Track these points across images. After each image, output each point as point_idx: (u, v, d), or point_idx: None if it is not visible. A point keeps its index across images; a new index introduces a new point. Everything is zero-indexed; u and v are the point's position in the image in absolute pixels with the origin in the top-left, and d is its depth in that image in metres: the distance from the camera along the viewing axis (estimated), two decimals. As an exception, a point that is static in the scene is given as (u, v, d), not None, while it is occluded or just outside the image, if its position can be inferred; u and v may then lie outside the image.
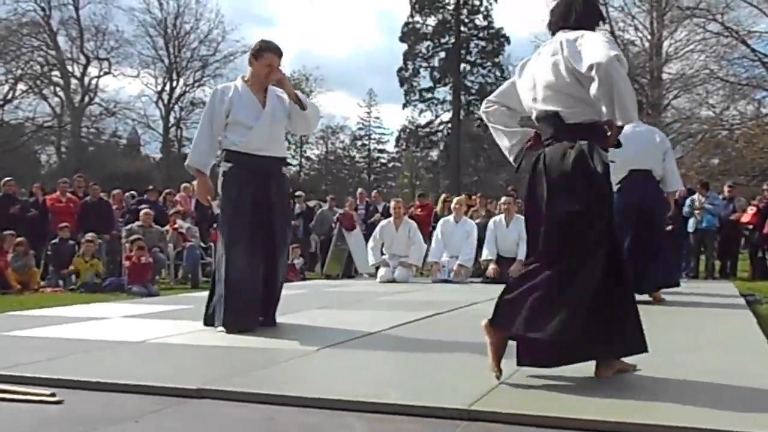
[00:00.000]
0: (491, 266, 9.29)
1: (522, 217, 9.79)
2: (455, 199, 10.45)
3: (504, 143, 3.31)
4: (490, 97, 3.38)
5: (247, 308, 4.25)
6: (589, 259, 2.82)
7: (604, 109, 2.84)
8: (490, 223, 9.70)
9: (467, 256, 9.38)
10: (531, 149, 3.18)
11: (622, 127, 2.94)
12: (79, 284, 9.23)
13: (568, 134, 2.95)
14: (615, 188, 4.30)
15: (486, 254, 9.49)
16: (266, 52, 4.44)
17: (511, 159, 3.32)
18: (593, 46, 2.86)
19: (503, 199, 10.31)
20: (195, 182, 4.32)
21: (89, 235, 9.66)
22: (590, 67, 2.80)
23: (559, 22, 3.13)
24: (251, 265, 4.23)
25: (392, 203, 10.57)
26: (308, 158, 44.38)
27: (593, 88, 2.81)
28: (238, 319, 4.20)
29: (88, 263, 9.33)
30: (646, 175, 6.11)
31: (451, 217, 9.91)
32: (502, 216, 9.67)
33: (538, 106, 3.06)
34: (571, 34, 2.97)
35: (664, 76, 28.47)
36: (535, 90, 3.08)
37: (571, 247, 2.83)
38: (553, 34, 3.13)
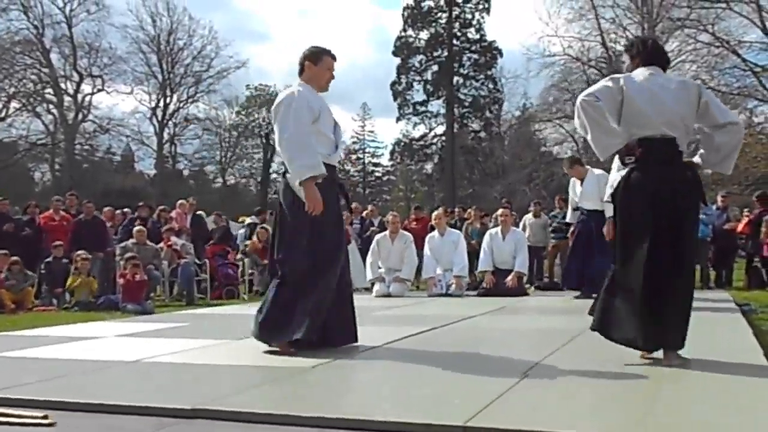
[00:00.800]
0: (488, 276, 9.31)
1: (518, 230, 9.77)
2: (434, 214, 10.40)
3: (603, 139, 3.64)
4: (593, 92, 3.64)
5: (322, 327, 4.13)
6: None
7: (711, 154, 3.69)
8: (486, 236, 9.73)
9: (460, 266, 9.34)
10: (626, 155, 3.62)
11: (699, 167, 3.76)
12: (72, 303, 9.16)
13: (677, 159, 3.57)
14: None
15: (482, 266, 9.52)
16: (324, 56, 4.34)
17: (603, 153, 3.74)
18: (725, 107, 3.80)
19: (500, 211, 10.31)
20: (305, 192, 3.97)
21: (82, 253, 9.57)
22: (732, 123, 3.64)
23: (654, 59, 3.76)
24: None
25: (389, 217, 10.55)
26: (303, 173, 44.37)
27: (722, 137, 3.62)
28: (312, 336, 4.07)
29: (83, 281, 9.27)
30: None
31: (435, 233, 9.88)
32: (499, 229, 9.69)
33: (659, 127, 3.53)
34: (699, 84, 3.85)
35: (656, 86, 28.57)
36: (662, 111, 3.53)
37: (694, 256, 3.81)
38: (644, 64, 3.73)
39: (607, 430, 2.28)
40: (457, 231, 10.31)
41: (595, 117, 3.58)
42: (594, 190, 7.76)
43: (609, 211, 6.06)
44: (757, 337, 4.54)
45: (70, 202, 11.80)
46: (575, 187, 8.26)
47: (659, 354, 3.54)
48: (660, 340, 3.53)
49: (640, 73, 3.66)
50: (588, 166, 8.57)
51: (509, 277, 9.14)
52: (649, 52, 3.77)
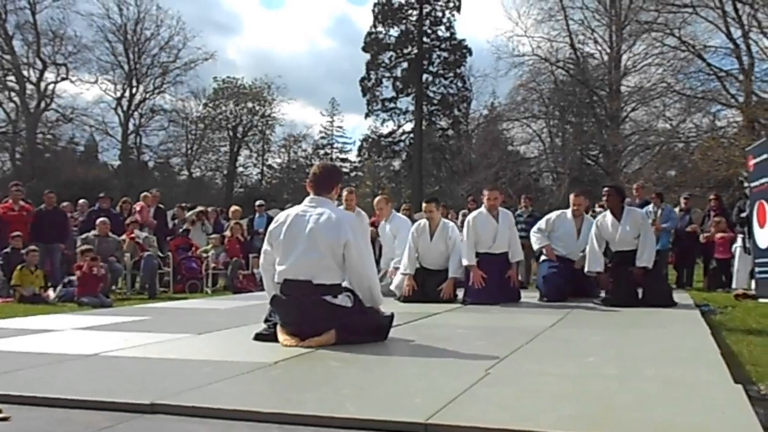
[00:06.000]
0: (407, 280, 7.73)
1: (449, 223, 8.35)
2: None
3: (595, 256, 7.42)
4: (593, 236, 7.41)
5: None
6: None
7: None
8: (412, 230, 8.00)
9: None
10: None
11: None
12: (17, 297, 8.94)
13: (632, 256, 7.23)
14: None
15: (402, 269, 7.88)
16: None
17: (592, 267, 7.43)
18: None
19: (424, 205, 8.25)
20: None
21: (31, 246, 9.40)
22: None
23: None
24: None
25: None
26: (270, 167, 44.24)
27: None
28: None
29: (33, 274, 9.08)
30: None
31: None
32: (426, 224, 7.94)
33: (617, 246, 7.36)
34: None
35: (623, 88, 28.99)
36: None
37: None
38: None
39: (567, 426, 2.29)
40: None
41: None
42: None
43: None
44: (715, 337, 4.61)
45: (14, 197, 10.81)
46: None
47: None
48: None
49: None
50: None
51: (444, 285, 7.55)
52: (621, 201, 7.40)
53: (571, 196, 8.25)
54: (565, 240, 8.03)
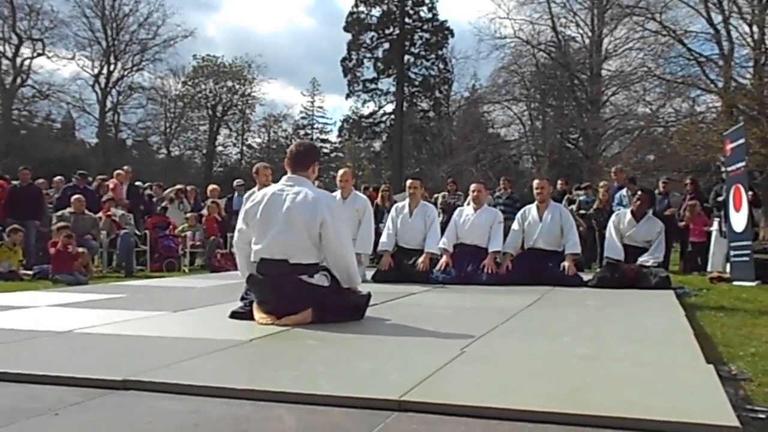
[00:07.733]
0: (385, 257, 7.96)
1: (429, 205, 8.47)
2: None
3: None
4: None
5: None
6: None
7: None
8: (392, 210, 8.36)
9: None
10: None
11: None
12: None
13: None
14: None
15: (381, 246, 8.12)
16: None
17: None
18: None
19: (409, 182, 8.25)
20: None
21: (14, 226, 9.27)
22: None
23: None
24: None
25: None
26: (249, 146, 44.01)
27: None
28: None
29: (11, 251, 8.97)
30: None
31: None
32: (406, 202, 8.19)
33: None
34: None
35: (604, 72, 29.09)
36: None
37: None
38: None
39: (540, 404, 2.30)
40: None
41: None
42: None
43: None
44: (689, 318, 4.65)
45: None
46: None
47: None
48: None
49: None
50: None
51: (421, 258, 7.71)
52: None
53: (535, 181, 8.21)
54: (529, 232, 7.91)
